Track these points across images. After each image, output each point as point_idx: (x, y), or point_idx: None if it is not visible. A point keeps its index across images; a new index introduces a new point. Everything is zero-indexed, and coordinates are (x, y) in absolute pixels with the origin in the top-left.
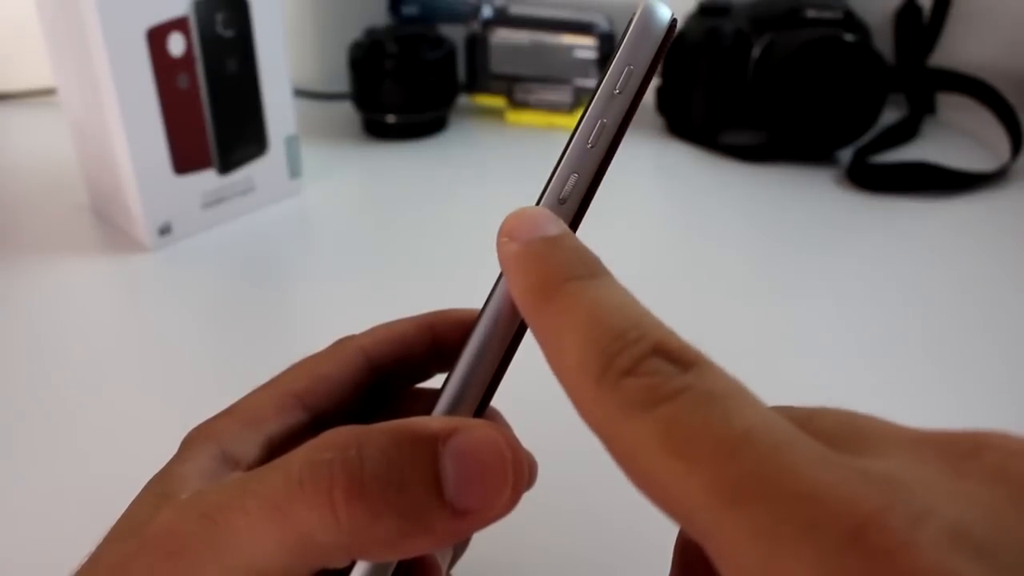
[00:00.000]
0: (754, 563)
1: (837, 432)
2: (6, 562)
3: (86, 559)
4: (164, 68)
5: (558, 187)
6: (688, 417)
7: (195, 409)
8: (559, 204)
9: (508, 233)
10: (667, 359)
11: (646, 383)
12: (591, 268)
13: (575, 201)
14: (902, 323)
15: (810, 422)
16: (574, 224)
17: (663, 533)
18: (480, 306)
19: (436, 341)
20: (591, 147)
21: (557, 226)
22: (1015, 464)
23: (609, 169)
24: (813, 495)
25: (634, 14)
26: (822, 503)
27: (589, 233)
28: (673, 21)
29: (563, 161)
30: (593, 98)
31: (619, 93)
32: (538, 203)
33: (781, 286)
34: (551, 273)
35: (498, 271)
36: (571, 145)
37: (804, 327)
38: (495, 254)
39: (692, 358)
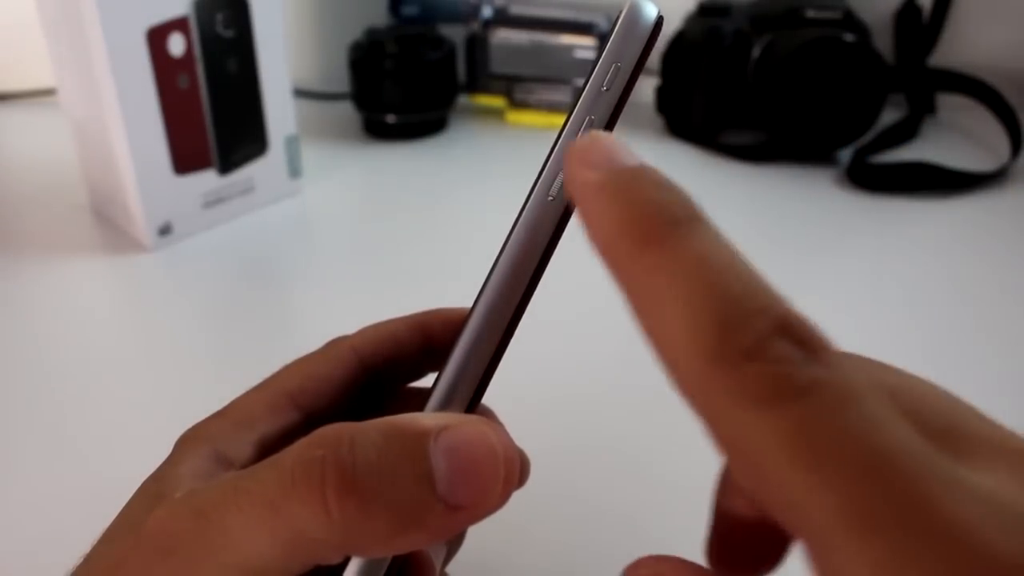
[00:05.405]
0: None
1: (939, 425)
2: (5, 562)
3: (82, 559)
4: (164, 68)
5: (547, 184)
6: (823, 422)
7: (194, 409)
8: (548, 200)
9: (585, 160)
10: (793, 341)
11: (772, 372)
12: (689, 209)
13: (565, 199)
14: (901, 323)
15: (918, 414)
16: (564, 222)
17: (657, 531)
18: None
19: (428, 340)
20: None
21: (635, 156)
22: None
23: None
24: (950, 535)
25: (621, 11)
26: (960, 546)
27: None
28: (659, 19)
29: (551, 158)
30: (581, 95)
31: (607, 90)
32: (527, 200)
33: (780, 286)
34: (648, 214)
35: (491, 270)
36: (559, 142)
37: None
38: (494, 254)
39: (820, 342)
